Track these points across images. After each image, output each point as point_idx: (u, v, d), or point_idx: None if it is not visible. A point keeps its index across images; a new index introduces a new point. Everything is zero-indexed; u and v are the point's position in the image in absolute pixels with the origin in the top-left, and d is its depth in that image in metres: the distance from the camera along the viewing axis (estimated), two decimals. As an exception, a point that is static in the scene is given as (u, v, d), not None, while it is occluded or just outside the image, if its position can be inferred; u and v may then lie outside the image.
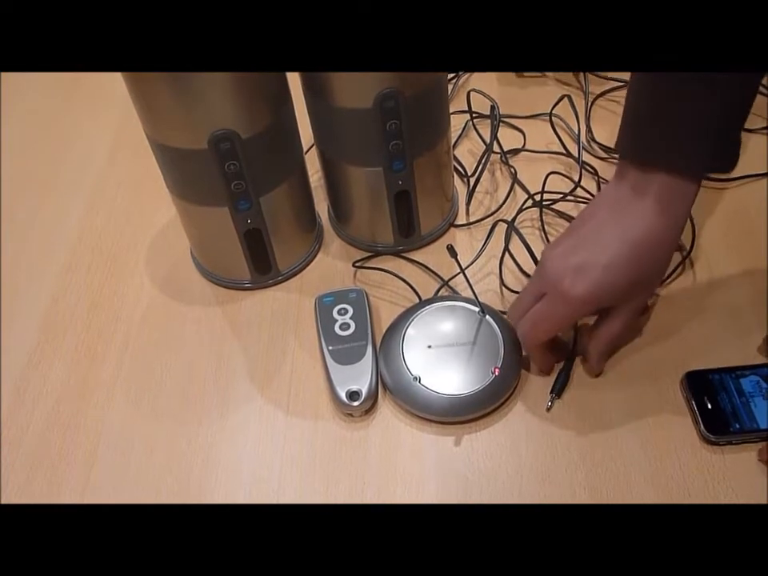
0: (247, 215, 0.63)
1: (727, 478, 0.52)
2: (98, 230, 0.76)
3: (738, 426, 0.53)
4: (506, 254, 0.68)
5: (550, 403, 0.57)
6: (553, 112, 0.79)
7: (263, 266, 0.67)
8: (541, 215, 0.71)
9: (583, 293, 0.52)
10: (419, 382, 0.57)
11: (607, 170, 0.74)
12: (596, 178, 0.74)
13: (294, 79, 0.62)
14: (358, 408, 0.58)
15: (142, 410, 0.61)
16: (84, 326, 0.68)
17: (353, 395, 0.58)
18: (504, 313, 0.62)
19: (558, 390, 0.58)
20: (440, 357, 0.58)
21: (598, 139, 0.78)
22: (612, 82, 0.84)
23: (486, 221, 0.72)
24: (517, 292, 0.65)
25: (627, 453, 0.54)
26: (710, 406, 0.55)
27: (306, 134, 0.66)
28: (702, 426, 0.54)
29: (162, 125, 0.58)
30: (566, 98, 0.79)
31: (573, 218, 0.70)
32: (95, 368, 0.64)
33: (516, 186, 0.74)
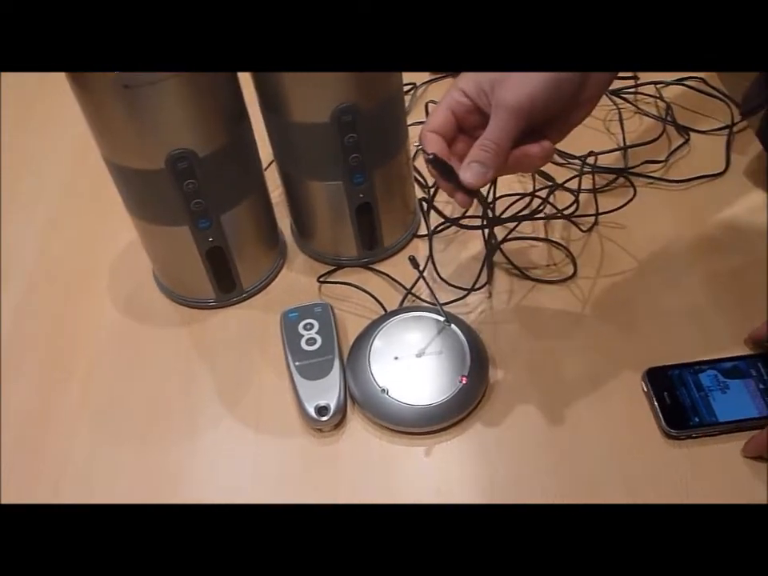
0: (208, 234, 0.62)
1: (691, 471, 0.53)
2: (58, 255, 0.75)
3: (697, 419, 0.54)
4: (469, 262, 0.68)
5: (422, 151, 0.53)
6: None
7: (227, 284, 0.67)
8: (490, 223, 0.71)
9: None
10: (387, 393, 0.57)
11: (564, 175, 0.75)
12: (552, 184, 0.74)
13: (250, 95, 0.62)
14: (327, 423, 0.57)
15: (108, 435, 0.60)
16: (45, 351, 0.66)
17: (321, 410, 0.58)
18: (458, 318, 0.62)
19: (437, 159, 0.52)
20: (407, 368, 0.59)
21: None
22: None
23: (448, 230, 0.72)
24: (476, 289, 0.64)
25: (595, 452, 0.55)
26: (669, 402, 0.56)
27: (265, 150, 0.66)
28: (663, 422, 0.55)
29: (117, 146, 0.57)
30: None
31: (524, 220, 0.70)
32: (58, 394, 0.63)
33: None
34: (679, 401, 0.55)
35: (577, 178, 0.73)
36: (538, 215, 0.71)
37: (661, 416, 0.55)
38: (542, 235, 0.71)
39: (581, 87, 0.50)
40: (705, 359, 0.58)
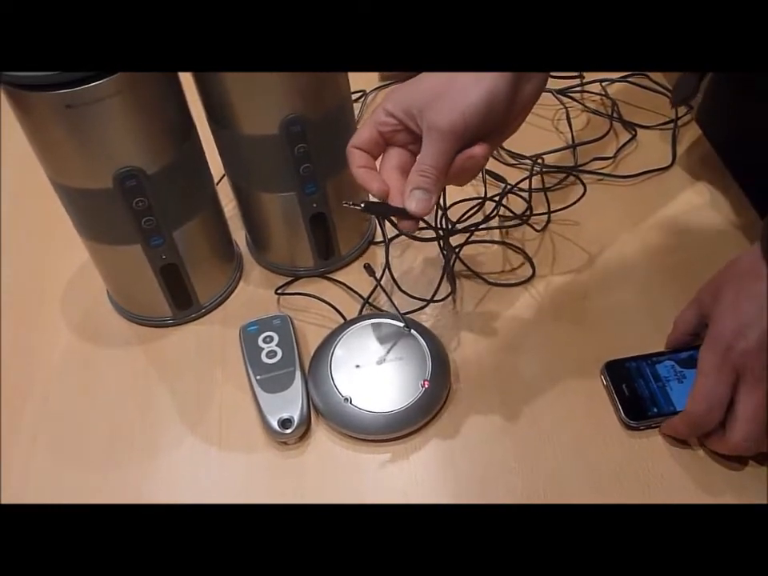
0: (161, 251, 0.61)
1: (652, 461, 0.54)
2: (8, 280, 0.74)
3: (655, 409, 0.55)
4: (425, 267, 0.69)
5: (351, 205, 0.53)
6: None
7: (183, 301, 0.66)
8: (446, 224, 0.72)
9: None
10: (350, 402, 0.57)
11: (514, 176, 0.76)
12: (504, 185, 0.75)
13: (198, 110, 0.61)
14: (291, 435, 0.57)
15: (66, 460, 0.59)
16: (0, 376, 0.65)
17: (285, 423, 0.57)
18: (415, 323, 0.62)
19: (368, 206, 0.53)
20: (369, 375, 0.58)
21: (504, 145, 0.79)
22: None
23: (402, 236, 0.72)
24: (436, 301, 0.65)
25: (559, 449, 0.55)
26: (628, 393, 0.56)
27: (216, 164, 0.65)
28: (622, 413, 0.55)
29: (62, 166, 0.56)
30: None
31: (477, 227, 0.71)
32: (13, 421, 0.62)
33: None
34: (637, 392, 0.56)
35: (528, 179, 0.74)
36: (492, 221, 0.72)
37: (620, 408, 0.56)
38: (498, 238, 0.71)
39: (512, 102, 0.50)
40: (661, 351, 0.59)
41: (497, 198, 0.70)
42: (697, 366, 0.52)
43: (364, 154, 0.53)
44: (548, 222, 0.71)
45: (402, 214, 0.51)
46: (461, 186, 0.54)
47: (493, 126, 0.50)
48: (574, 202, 0.71)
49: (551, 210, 0.72)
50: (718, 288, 0.54)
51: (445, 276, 0.66)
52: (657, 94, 0.84)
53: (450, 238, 0.67)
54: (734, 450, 0.52)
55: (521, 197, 0.73)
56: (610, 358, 0.59)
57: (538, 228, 0.71)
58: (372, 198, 0.53)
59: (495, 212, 0.70)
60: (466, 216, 0.72)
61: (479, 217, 0.72)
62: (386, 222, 0.68)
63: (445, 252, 0.67)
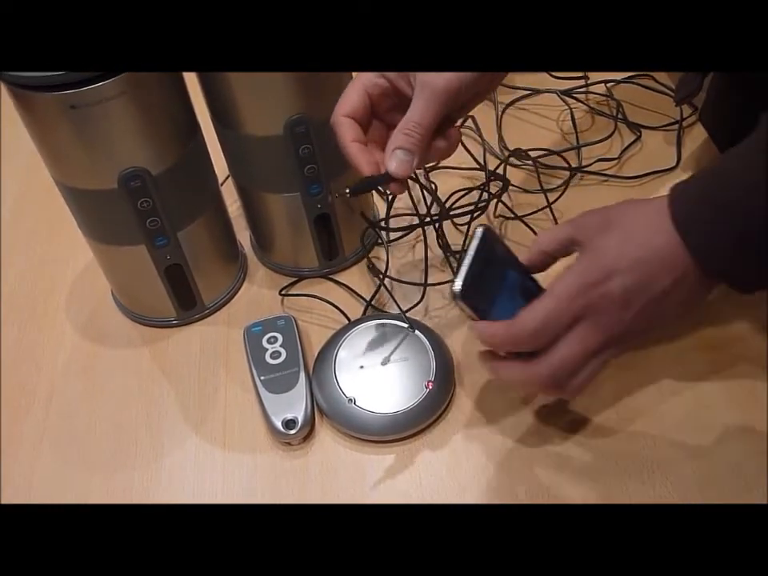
0: (166, 251, 0.61)
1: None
2: (13, 281, 0.74)
3: (483, 307, 0.49)
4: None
5: (337, 195, 0.52)
6: (466, 124, 0.80)
7: (187, 302, 0.66)
8: (441, 226, 0.71)
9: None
10: (354, 403, 0.57)
11: (518, 176, 0.75)
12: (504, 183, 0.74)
13: (202, 110, 0.61)
14: (295, 436, 0.57)
15: (72, 461, 0.59)
16: (5, 380, 0.65)
17: (289, 424, 0.57)
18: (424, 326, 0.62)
19: (354, 189, 0.51)
20: (373, 376, 0.58)
21: (510, 147, 0.79)
22: (520, 90, 0.86)
23: (407, 238, 0.72)
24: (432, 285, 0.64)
25: (562, 450, 0.55)
26: (477, 270, 0.49)
27: (221, 164, 0.65)
28: (458, 282, 0.48)
29: (67, 167, 0.57)
30: (476, 111, 0.80)
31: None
32: (19, 422, 0.62)
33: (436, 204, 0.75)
34: (485, 276, 0.50)
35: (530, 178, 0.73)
36: (494, 221, 0.72)
37: (462, 274, 0.48)
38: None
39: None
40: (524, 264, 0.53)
41: (497, 197, 0.70)
42: (550, 285, 0.48)
43: (354, 124, 0.50)
44: (555, 223, 0.71)
45: (387, 179, 0.49)
46: (440, 160, 0.52)
47: (481, 86, 0.48)
48: (556, 196, 0.70)
49: (554, 212, 0.71)
50: (609, 221, 0.48)
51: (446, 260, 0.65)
52: (661, 95, 0.84)
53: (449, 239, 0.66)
54: (529, 379, 0.48)
55: (523, 190, 0.73)
56: None
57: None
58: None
59: (486, 203, 0.69)
60: (466, 217, 0.71)
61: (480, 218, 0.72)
62: (388, 220, 0.68)
63: (441, 242, 0.67)
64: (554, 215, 0.71)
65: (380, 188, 0.52)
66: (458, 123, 0.49)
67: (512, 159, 0.78)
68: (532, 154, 0.77)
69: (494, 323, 0.48)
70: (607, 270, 0.46)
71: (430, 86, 0.47)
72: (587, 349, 0.47)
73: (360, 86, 0.50)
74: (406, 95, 0.49)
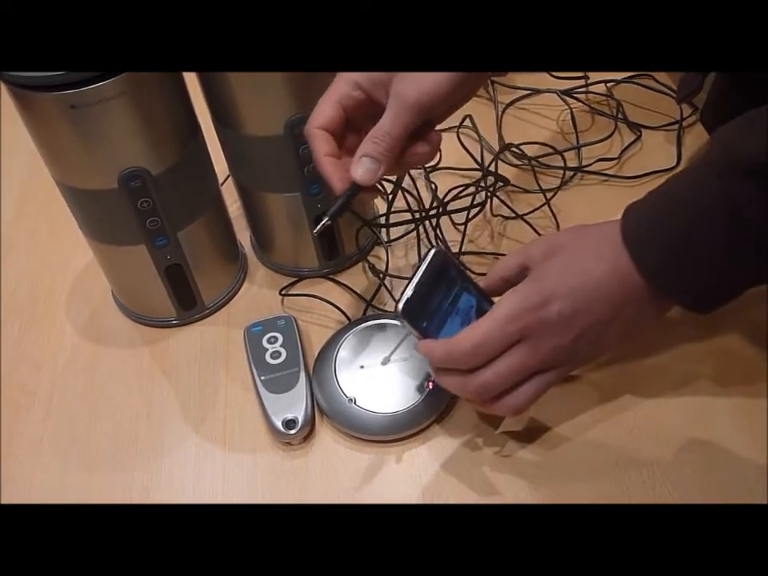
0: (166, 251, 0.61)
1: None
2: (13, 281, 0.74)
3: (425, 324, 0.50)
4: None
5: (320, 226, 0.51)
6: (464, 124, 0.80)
7: (188, 302, 0.66)
8: (437, 225, 0.71)
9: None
10: (355, 403, 0.57)
11: (520, 177, 0.75)
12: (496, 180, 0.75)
13: (202, 110, 0.61)
14: (295, 436, 0.57)
15: (72, 461, 0.59)
16: (5, 380, 0.65)
17: (289, 423, 0.57)
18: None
19: (332, 214, 0.51)
20: (374, 376, 0.58)
21: (510, 146, 0.79)
22: (520, 90, 0.86)
23: (407, 237, 0.72)
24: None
25: (566, 449, 0.55)
26: (424, 288, 0.50)
27: (221, 164, 0.65)
28: (403, 301, 0.49)
29: (67, 167, 0.57)
30: (476, 112, 0.80)
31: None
32: (19, 422, 0.62)
33: (435, 202, 0.75)
34: (430, 295, 0.50)
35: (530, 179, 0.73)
36: (495, 219, 0.72)
37: (406, 291, 0.49)
38: (499, 237, 0.71)
39: (475, 82, 0.49)
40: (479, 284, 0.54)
41: (493, 193, 0.70)
42: (492, 307, 0.48)
43: (328, 136, 0.50)
44: (556, 223, 0.71)
45: (355, 189, 0.49)
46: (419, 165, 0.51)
47: (456, 99, 0.49)
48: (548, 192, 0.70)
49: (555, 212, 0.71)
50: (552, 248, 0.49)
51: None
52: (662, 95, 0.83)
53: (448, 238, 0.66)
54: (462, 386, 0.49)
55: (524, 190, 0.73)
56: None
57: (542, 232, 0.71)
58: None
59: (488, 202, 0.69)
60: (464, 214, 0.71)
61: (479, 218, 0.72)
62: (388, 220, 0.68)
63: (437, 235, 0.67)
64: (553, 213, 0.71)
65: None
66: (441, 126, 0.50)
67: (512, 159, 0.79)
68: (532, 154, 0.77)
69: (435, 341, 0.49)
70: (546, 295, 0.47)
71: (401, 97, 0.48)
72: (522, 368, 0.47)
73: (334, 98, 0.50)
74: (383, 105, 0.49)
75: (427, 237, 0.70)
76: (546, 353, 0.47)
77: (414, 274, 0.50)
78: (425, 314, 0.50)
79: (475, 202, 0.69)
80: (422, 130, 0.50)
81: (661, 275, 0.46)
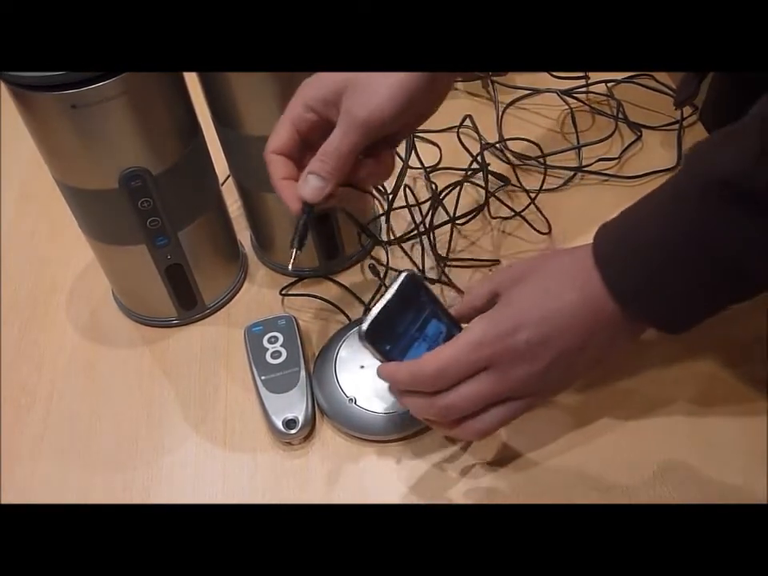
0: (166, 251, 0.62)
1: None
2: (13, 282, 0.74)
3: (388, 347, 0.49)
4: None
5: (292, 259, 0.52)
6: (464, 124, 0.80)
7: (188, 302, 0.66)
8: (429, 231, 0.71)
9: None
10: (355, 403, 0.57)
11: (520, 177, 0.75)
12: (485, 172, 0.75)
13: (203, 110, 0.61)
14: (296, 436, 0.57)
15: (73, 460, 0.59)
16: (6, 379, 0.65)
17: (290, 423, 0.57)
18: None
19: (298, 243, 0.52)
20: (374, 376, 0.57)
21: (511, 146, 0.79)
22: (520, 90, 0.86)
23: (407, 237, 0.72)
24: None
25: (567, 446, 0.55)
26: (389, 311, 0.49)
27: (221, 164, 0.65)
28: (365, 325, 0.48)
29: (68, 167, 0.57)
30: (476, 112, 0.80)
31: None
32: (19, 422, 0.62)
33: (436, 202, 0.75)
34: (396, 319, 0.49)
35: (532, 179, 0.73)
36: (495, 220, 0.72)
37: (370, 316, 0.49)
38: (500, 237, 0.71)
39: (430, 92, 0.48)
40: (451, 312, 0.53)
41: (496, 197, 0.70)
42: (461, 331, 0.48)
43: (286, 161, 0.50)
44: (550, 229, 0.71)
45: (310, 212, 0.50)
46: (373, 185, 0.52)
47: (410, 117, 0.49)
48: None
49: (556, 211, 0.71)
50: (522, 274, 0.48)
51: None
52: (662, 95, 0.84)
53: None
54: (424, 408, 0.48)
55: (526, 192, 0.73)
56: None
57: (544, 231, 0.71)
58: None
59: (486, 203, 0.69)
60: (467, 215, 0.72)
61: (479, 219, 0.72)
62: (389, 221, 0.68)
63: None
64: (542, 213, 0.71)
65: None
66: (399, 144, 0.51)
67: (511, 159, 0.78)
68: (531, 153, 0.77)
69: (398, 363, 0.49)
70: (515, 323, 0.46)
71: (350, 115, 0.47)
72: (489, 394, 0.47)
73: (288, 122, 0.50)
74: (334, 123, 0.49)
75: (428, 237, 0.70)
76: (515, 381, 0.46)
77: (381, 296, 0.50)
78: (389, 338, 0.49)
79: (474, 201, 0.69)
80: (378, 148, 0.50)
81: (634, 299, 0.45)
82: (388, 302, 0.49)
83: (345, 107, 0.48)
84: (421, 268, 0.68)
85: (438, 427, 0.50)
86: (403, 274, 0.50)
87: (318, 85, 0.49)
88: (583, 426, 0.56)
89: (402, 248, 0.69)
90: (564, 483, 0.53)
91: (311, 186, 0.49)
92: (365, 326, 0.48)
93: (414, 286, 0.51)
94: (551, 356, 0.46)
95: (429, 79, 0.47)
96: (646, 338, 0.48)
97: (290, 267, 0.52)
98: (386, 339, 0.49)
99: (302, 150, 0.51)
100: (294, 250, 0.52)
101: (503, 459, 0.55)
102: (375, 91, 0.47)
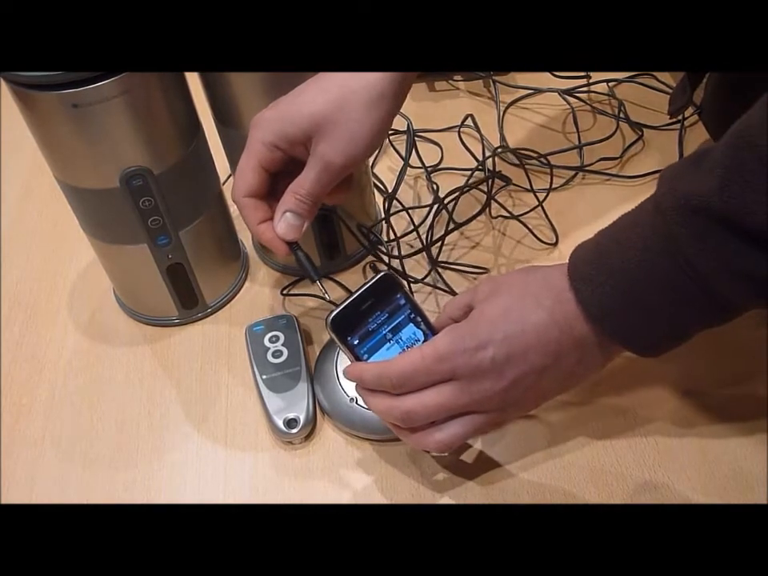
0: (167, 250, 0.62)
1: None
2: (14, 281, 0.74)
3: (356, 341, 0.50)
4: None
5: (323, 291, 0.54)
6: (465, 123, 0.80)
7: (189, 301, 0.66)
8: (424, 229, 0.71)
9: None
10: (356, 402, 0.57)
11: (522, 178, 0.75)
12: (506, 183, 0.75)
13: (204, 109, 0.61)
14: (297, 435, 0.57)
15: (75, 460, 0.59)
16: (6, 379, 0.65)
17: (291, 422, 0.57)
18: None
19: (315, 275, 0.53)
20: (374, 375, 0.58)
21: (511, 146, 0.79)
22: (522, 90, 0.86)
23: (408, 237, 0.72)
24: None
25: (570, 444, 0.55)
26: (360, 308, 0.50)
27: (222, 163, 0.65)
28: (333, 314, 0.49)
29: (69, 166, 0.57)
30: (478, 111, 0.80)
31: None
32: (21, 421, 0.62)
33: (437, 202, 0.75)
34: (367, 316, 0.50)
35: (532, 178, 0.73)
36: (495, 220, 0.72)
37: (338, 308, 0.49)
38: (500, 238, 0.71)
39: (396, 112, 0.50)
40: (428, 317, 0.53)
41: (497, 201, 0.70)
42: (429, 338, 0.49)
43: (258, 203, 0.51)
44: (553, 231, 0.71)
45: (299, 246, 0.51)
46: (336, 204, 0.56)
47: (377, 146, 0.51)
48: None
49: (554, 209, 0.71)
50: (497, 289, 0.48)
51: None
52: (663, 94, 0.83)
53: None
54: (385, 409, 0.48)
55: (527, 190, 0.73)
56: None
57: (549, 234, 0.71)
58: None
59: (486, 205, 0.69)
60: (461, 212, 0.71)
61: (480, 219, 0.72)
62: (390, 222, 0.68)
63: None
64: (546, 215, 0.71)
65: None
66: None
67: (512, 158, 0.78)
68: (531, 153, 0.77)
69: (366, 363, 0.50)
70: (481, 339, 0.46)
71: (325, 161, 0.48)
72: (448, 404, 0.47)
73: (254, 162, 0.50)
74: (303, 161, 0.50)
75: (428, 238, 0.70)
76: (477, 394, 0.46)
77: (355, 291, 0.50)
78: (356, 332, 0.50)
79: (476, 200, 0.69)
80: None
81: (608, 319, 0.45)
82: (359, 295, 0.50)
83: (319, 151, 0.48)
84: (404, 271, 0.68)
85: (401, 433, 0.50)
86: (381, 273, 0.51)
87: (280, 122, 0.49)
88: (560, 442, 0.56)
89: (399, 252, 0.69)
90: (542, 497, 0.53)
91: (289, 223, 0.50)
92: (331, 315, 0.49)
93: (391, 287, 0.51)
94: (515, 374, 0.46)
95: (399, 106, 0.48)
96: (625, 355, 0.47)
97: (328, 298, 0.55)
98: (353, 332, 0.50)
99: (270, 186, 0.52)
100: (318, 282, 0.54)
101: (503, 459, 0.55)
102: (351, 138, 0.48)
